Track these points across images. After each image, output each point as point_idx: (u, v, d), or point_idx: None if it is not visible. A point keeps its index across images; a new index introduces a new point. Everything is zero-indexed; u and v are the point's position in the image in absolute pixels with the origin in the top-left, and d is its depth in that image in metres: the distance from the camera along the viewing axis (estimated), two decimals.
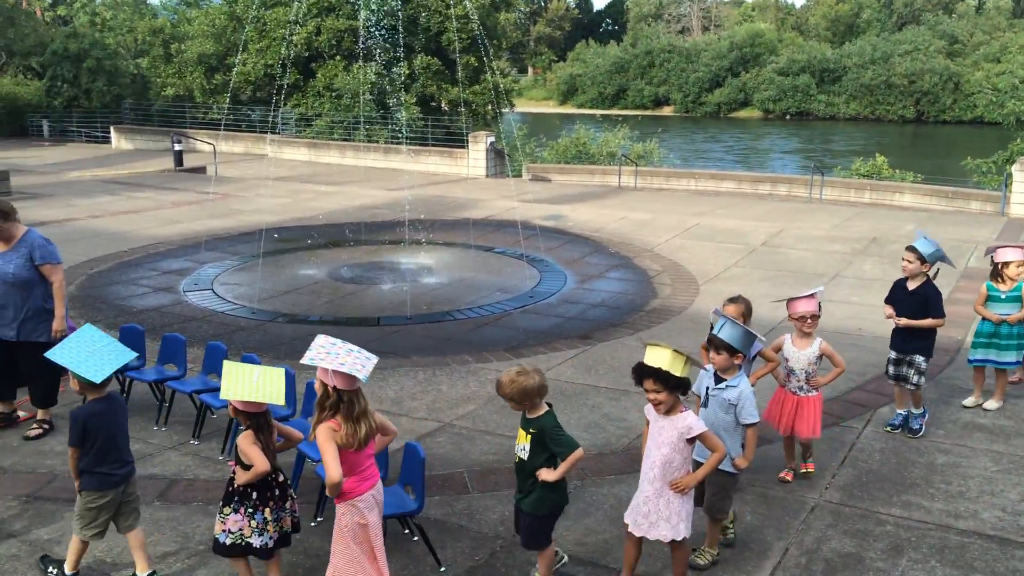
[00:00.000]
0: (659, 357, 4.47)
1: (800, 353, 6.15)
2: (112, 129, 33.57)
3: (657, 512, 4.64)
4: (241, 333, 9.86)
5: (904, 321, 6.86)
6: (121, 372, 7.50)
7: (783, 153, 52.98)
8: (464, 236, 15.37)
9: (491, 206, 18.89)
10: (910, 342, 6.92)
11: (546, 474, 4.53)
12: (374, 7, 30.89)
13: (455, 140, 27.53)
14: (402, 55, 30.81)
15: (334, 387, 4.27)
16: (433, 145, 27.95)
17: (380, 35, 30.99)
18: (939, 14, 79.31)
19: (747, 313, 5.91)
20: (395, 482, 5.37)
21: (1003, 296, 7.52)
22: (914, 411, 7.02)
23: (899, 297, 7.00)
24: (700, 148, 54.53)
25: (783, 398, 6.23)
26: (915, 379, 6.89)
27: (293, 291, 11.87)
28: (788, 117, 74.16)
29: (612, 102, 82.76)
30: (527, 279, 12.48)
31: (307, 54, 33.91)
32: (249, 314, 10.69)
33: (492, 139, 25.29)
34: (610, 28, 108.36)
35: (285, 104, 32.63)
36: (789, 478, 6.20)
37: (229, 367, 4.54)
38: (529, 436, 4.59)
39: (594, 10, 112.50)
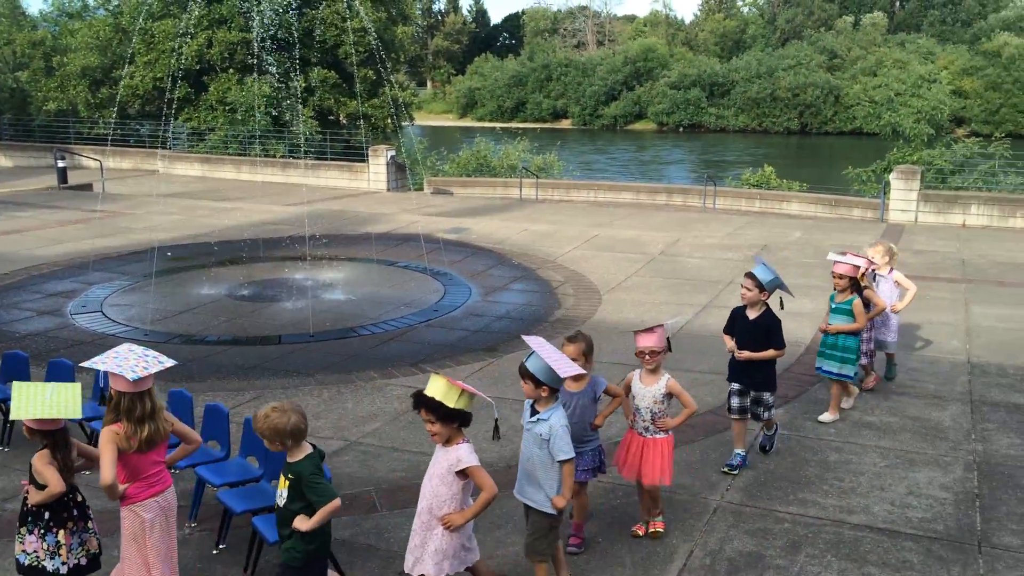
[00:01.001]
0: (434, 387, 4.32)
1: (645, 390, 5.59)
2: None
3: (423, 547, 4.45)
4: None
5: (746, 355, 6.47)
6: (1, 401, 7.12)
7: (678, 163, 54.47)
8: (366, 251, 15.21)
9: (393, 220, 18.77)
10: (753, 376, 6.55)
11: (300, 523, 4.24)
12: (267, 20, 30.33)
13: (355, 154, 27.23)
14: (298, 68, 30.34)
15: (116, 390, 4.38)
16: (333, 159, 27.57)
17: (274, 48, 30.44)
18: (820, 30, 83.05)
19: (588, 351, 5.35)
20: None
21: (834, 306, 7.52)
22: (767, 432, 6.90)
23: (740, 327, 6.59)
24: (598, 160, 55.53)
25: (629, 439, 5.69)
26: (765, 414, 6.64)
27: (189, 311, 11.50)
28: (681, 129, 76.30)
29: (511, 115, 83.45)
30: (431, 293, 12.44)
31: (198, 67, 32.99)
32: (142, 336, 10.30)
33: (392, 153, 25.15)
34: (507, 42, 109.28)
35: (176, 118, 31.65)
36: (640, 532, 5.66)
37: (19, 386, 4.41)
38: (287, 481, 4.33)
39: (491, 24, 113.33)
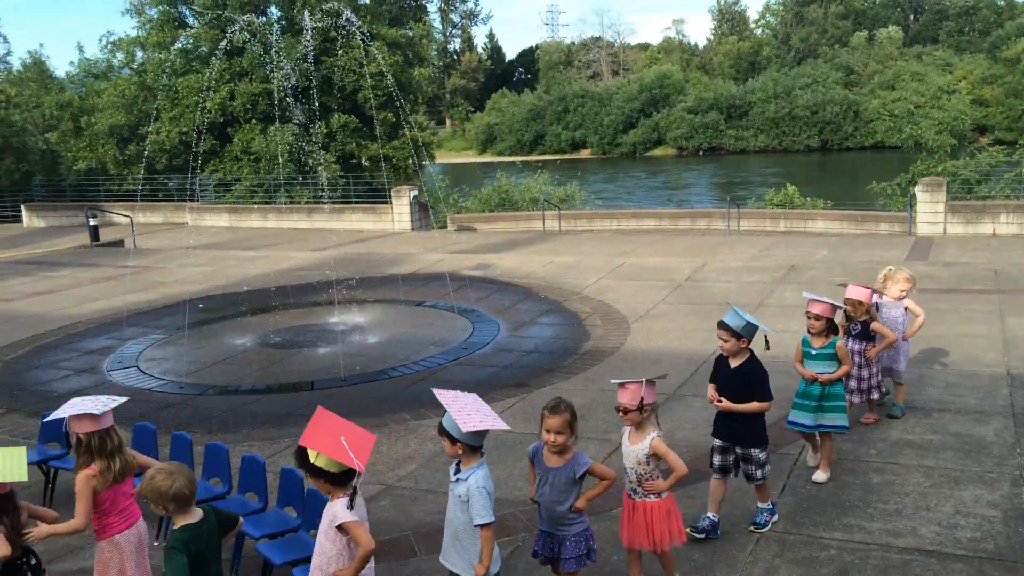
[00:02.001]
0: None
1: (630, 449, 5.12)
2: (23, 207, 32.59)
3: None
4: (170, 410, 9.58)
5: (725, 404, 5.81)
6: (44, 462, 7.22)
7: (699, 188, 54.42)
8: (393, 292, 15.31)
9: (418, 260, 18.89)
10: (736, 429, 5.90)
11: None
12: (287, 69, 30.88)
13: (378, 196, 27.51)
14: (319, 115, 30.81)
15: (84, 433, 4.67)
16: (356, 202, 27.87)
17: (295, 97, 30.96)
18: (834, 47, 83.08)
19: (572, 422, 4.77)
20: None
21: (814, 352, 6.74)
22: (760, 506, 6.10)
23: (722, 376, 5.95)
24: (619, 188, 55.62)
25: (626, 503, 5.21)
26: (758, 474, 5.92)
27: (222, 361, 11.61)
28: (701, 153, 76.36)
29: (530, 148, 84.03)
30: (460, 331, 12.47)
31: (222, 119, 33.62)
32: (177, 389, 10.42)
33: (415, 192, 25.37)
34: (523, 77, 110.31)
35: (202, 171, 32.19)
36: None
37: None
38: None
39: (506, 60, 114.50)
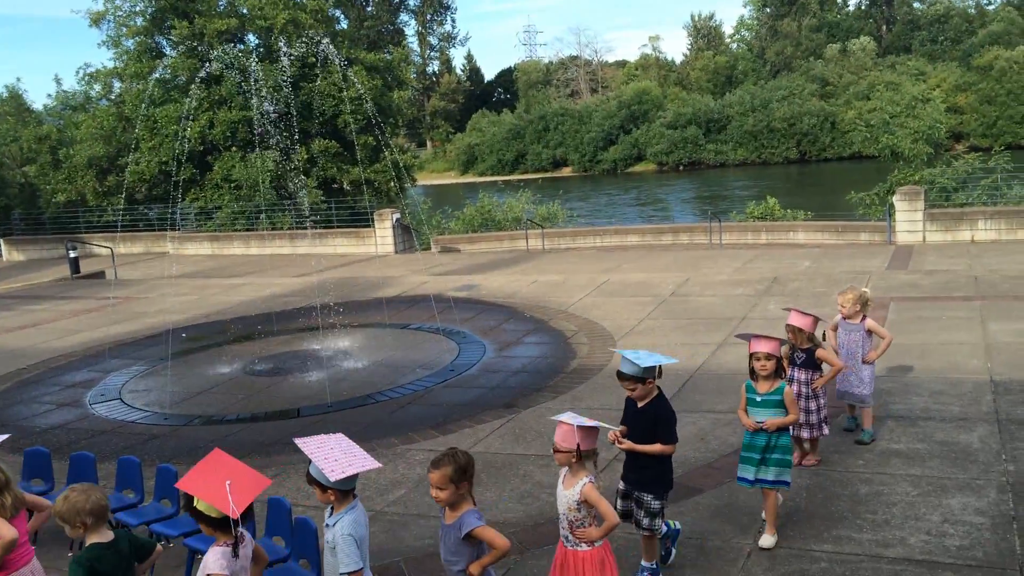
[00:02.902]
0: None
1: (562, 494, 4.78)
2: (1, 241, 32.37)
3: None
4: (155, 442, 9.50)
5: (627, 444, 5.35)
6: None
7: (681, 203, 54.71)
8: (378, 315, 15.27)
9: (403, 282, 18.87)
10: (639, 472, 5.43)
11: None
12: (266, 96, 30.91)
13: (361, 220, 27.50)
14: (299, 140, 30.80)
15: None
16: (339, 226, 27.84)
17: (275, 123, 30.96)
18: (809, 59, 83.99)
19: (457, 477, 4.39)
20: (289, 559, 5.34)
21: (759, 399, 6.01)
22: (643, 564, 5.53)
23: (630, 416, 5.50)
24: (601, 205, 55.84)
25: (558, 548, 4.92)
26: (645, 522, 5.41)
27: (207, 391, 11.53)
28: (681, 168, 76.84)
29: (512, 167, 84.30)
30: (446, 352, 12.44)
31: (202, 148, 33.55)
32: (162, 420, 10.33)
33: (397, 215, 25.40)
34: (502, 97, 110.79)
35: (183, 199, 32.08)
36: None
37: None
38: None
39: (485, 81, 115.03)
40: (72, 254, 24.31)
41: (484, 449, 8.29)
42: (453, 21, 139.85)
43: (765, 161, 74.63)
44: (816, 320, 7.14)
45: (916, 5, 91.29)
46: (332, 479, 4.25)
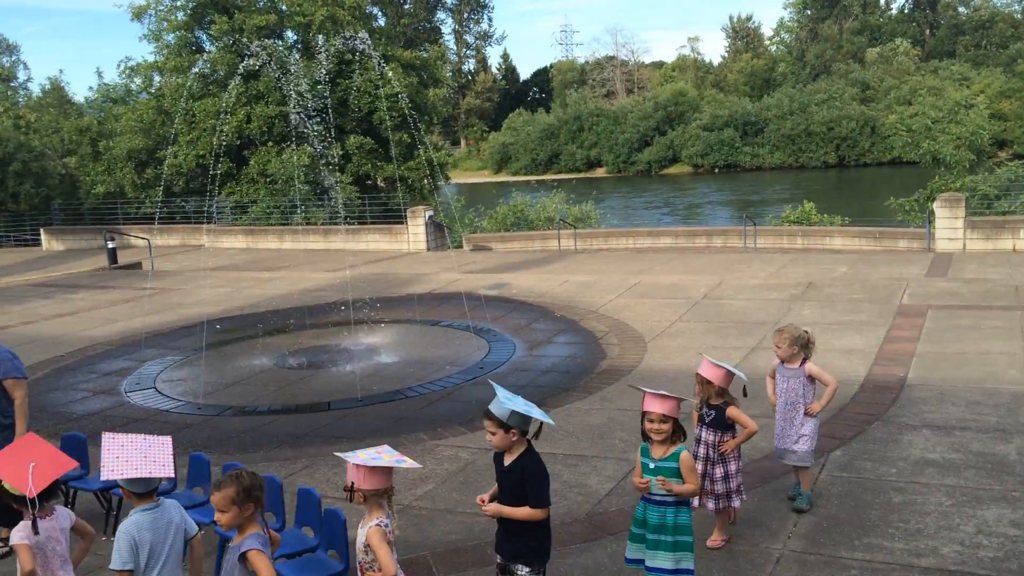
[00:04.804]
0: None
1: (359, 531, 4.48)
2: (42, 231, 32.97)
3: None
4: (188, 431, 9.62)
5: (492, 508, 4.68)
6: (64, 482, 7.25)
7: (716, 205, 54.33)
8: (409, 312, 15.34)
9: (434, 279, 18.93)
10: (510, 540, 4.73)
11: None
12: (303, 92, 31.19)
13: (394, 216, 27.65)
14: (334, 136, 31.04)
15: None
16: (372, 223, 28.02)
17: (311, 119, 31.23)
18: (850, 63, 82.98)
19: (240, 499, 4.17)
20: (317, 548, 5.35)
21: (652, 466, 5.10)
22: None
23: (497, 474, 4.80)
24: (635, 206, 55.63)
25: None
26: None
27: (239, 382, 11.66)
28: (716, 171, 76.27)
29: (545, 167, 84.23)
30: (476, 350, 12.46)
31: (239, 142, 33.95)
32: (195, 410, 10.46)
33: (430, 213, 25.48)
34: (538, 96, 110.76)
35: (219, 193, 32.48)
36: None
37: None
38: None
39: (520, 80, 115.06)
40: (110, 245, 24.69)
41: None
42: (490, 20, 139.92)
43: (802, 165, 73.83)
44: (730, 374, 5.91)
45: (961, 9, 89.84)
46: (102, 476, 4.45)
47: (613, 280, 17.07)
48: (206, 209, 31.24)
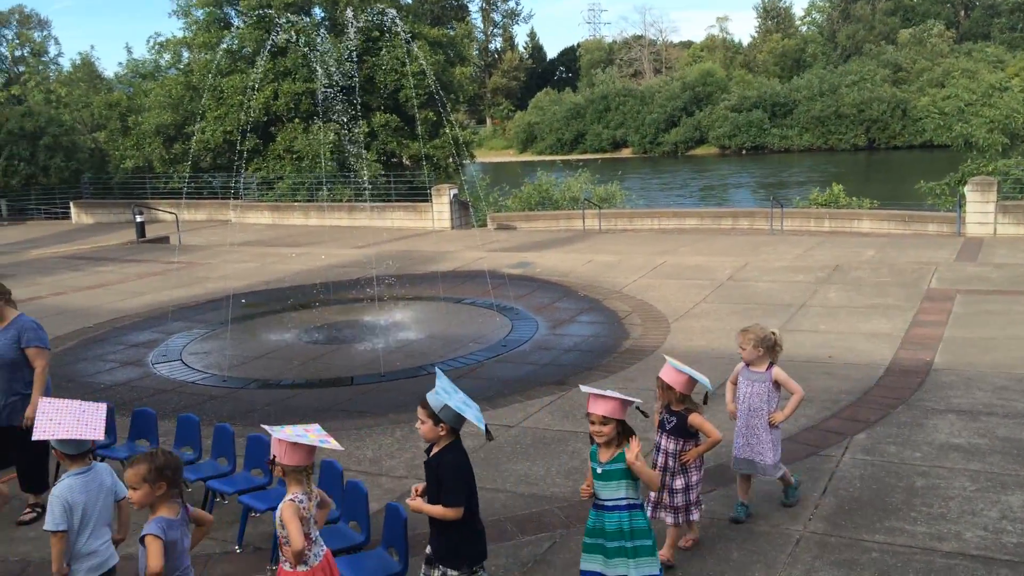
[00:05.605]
0: None
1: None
2: (72, 204, 33.34)
3: None
4: (213, 403, 9.73)
5: (415, 503, 4.52)
6: (91, 451, 7.36)
7: (742, 187, 53.85)
8: (433, 289, 15.38)
9: (458, 257, 18.95)
10: (434, 538, 4.58)
11: None
12: (330, 69, 31.19)
13: (419, 194, 27.66)
14: (360, 114, 31.05)
15: None
16: (397, 200, 28.05)
17: (337, 96, 31.25)
18: (881, 44, 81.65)
19: (152, 478, 4.19)
20: (378, 544, 5.30)
21: (600, 470, 4.79)
22: None
23: (425, 470, 4.62)
24: (661, 186, 55.28)
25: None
26: None
27: (264, 356, 11.76)
28: (744, 152, 75.53)
29: (571, 147, 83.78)
30: (499, 328, 12.48)
31: (266, 118, 34.05)
32: (220, 382, 10.57)
33: (455, 191, 25.45)
34: (564, 75, 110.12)
35: (246, 169, 32.64)
36: None
37: None
38: None
39: (547, 59, 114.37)
40: (138, 219, 24.93)
41: (534, 424, 8.32)
42: None
43: (832, 147, 72.91)
44: (692, 380, 5.46)
45: None
46: (33, 437, 4.53)
47: (637, 260, 16.99)
48: (233, 185, 31.42)
